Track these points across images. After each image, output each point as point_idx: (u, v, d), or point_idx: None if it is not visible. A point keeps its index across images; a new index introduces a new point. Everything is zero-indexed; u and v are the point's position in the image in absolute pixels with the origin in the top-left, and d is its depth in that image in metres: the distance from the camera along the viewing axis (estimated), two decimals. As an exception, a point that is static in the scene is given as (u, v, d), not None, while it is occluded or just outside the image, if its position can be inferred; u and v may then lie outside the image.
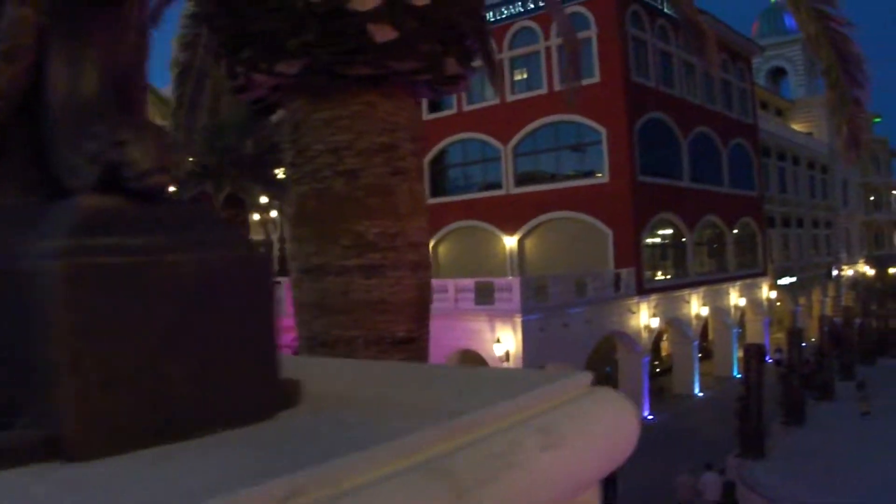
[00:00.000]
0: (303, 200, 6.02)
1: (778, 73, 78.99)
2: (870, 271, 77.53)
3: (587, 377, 1.48)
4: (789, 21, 75.34)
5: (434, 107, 41.70)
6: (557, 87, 35.37)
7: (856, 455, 26.09)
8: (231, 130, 19.47)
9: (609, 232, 35.30)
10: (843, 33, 8.81)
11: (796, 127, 66.81)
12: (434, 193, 41.84)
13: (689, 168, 40.59)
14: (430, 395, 1.42)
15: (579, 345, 30.46)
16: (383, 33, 5.45)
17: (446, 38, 5.83)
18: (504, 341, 27.77)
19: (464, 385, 1.49)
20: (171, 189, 22.18)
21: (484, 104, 39.70)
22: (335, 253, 5.82)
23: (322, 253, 5.88)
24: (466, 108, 40.35)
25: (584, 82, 34.80)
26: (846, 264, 71.19)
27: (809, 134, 67.22)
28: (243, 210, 20.42)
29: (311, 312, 6.03)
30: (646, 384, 34.96)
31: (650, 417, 34.47)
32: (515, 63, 39.14)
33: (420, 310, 6.08)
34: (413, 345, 5.99)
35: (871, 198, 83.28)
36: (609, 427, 1.36)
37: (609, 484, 23.76)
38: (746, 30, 70.87)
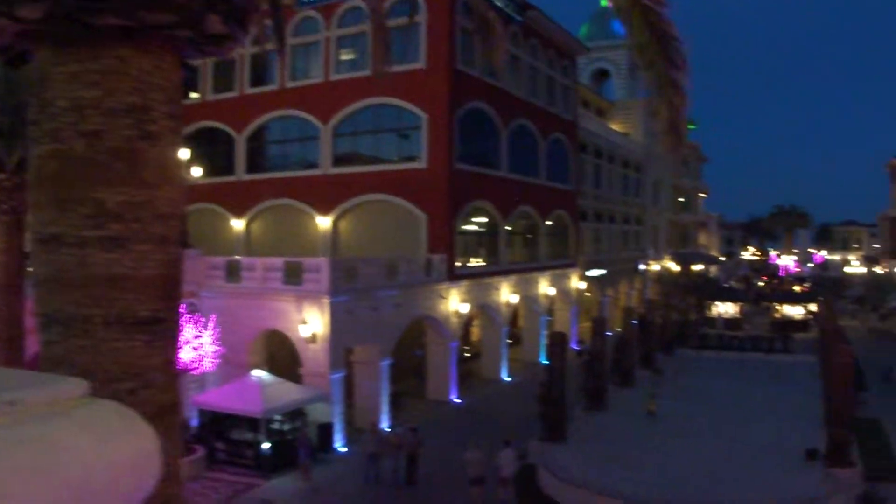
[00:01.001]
0: (42, 162, 5.40)
1: (602, 75, 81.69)
2: (674, 267, 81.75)
3: (81, 385, 1.10)
4: (617, 26, 78.43)
5: (256, 81, 40.57)
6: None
7: (650, 439, 27.53)
8: (26, 87, 17.83)
9: (424, 217, 35.34)
10: (657, 10, 8.63)
11: (615, 127, 69.38)
12: (251, 169, 40.79)
13: (507, 158, 41.22)
14: None
15: (388, 328, 30.41)
16: (134, -20, 4.93)
17: (209, -9, 5.34)
18: (311, 322, 27.28)
19: None
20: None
21: (307, 82, 38.89)
22: (73, 222, 5.24)
23: (59, 221, 5.29)
24: (289, 84, 39.38)
25: (409, 66, 34.95)
26: (652, 260, 74.72)
27: (627, 135, 70.00)
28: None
29: (48, 287, 5.43)
30: (454, 369, 35.38)
31: (457, 401, 34.94)
32: (342, 42, 38.44)
33: (168, 288, 5.58)
34: (159, 326, 5.49)
35: (680, 199, 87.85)
36: (98, 456, 0.99)
37: (411, 463, 23.92)
38: (576, 30, 73.06)
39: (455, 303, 35.55)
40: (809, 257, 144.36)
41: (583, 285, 53.66)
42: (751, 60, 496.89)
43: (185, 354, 23.28)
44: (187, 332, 23.70)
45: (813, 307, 64.45)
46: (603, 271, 58.37)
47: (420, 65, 35.30)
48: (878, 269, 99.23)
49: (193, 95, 41.22)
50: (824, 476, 23.13)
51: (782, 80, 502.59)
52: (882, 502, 22.13)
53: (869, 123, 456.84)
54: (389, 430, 28.51)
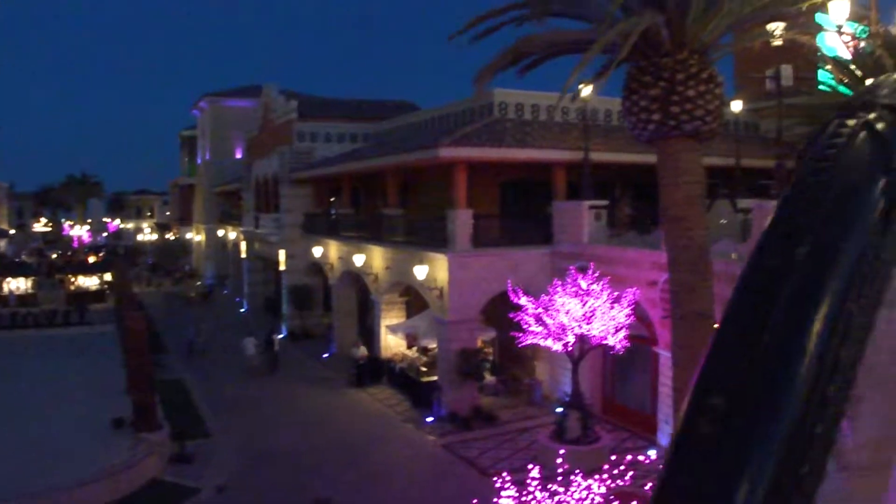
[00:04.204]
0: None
1: None
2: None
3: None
4: None
5: None
6: None
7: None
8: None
9: None
10: None
11: None
12: None
13: None
14: None
15: None
16: None
17: None
18: None
19: None
20: None
21: None
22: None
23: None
24: None
25: None
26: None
27: None
28: None
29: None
30: None
31: None
32: None
33: None
34: None
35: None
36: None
37: None
38: None
39: None
40: (104, 227, 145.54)
41: None
42: (44, 27, 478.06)
43: None
44: None
45: (108, 276, 65.18)
46: None
47: None
48: (170, 236, 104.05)
49: None
50: (134, 442, 23.50)
51: (73, 48, 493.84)
52: (190, 458, 23.29)
53: (162, 95, 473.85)
54: None
